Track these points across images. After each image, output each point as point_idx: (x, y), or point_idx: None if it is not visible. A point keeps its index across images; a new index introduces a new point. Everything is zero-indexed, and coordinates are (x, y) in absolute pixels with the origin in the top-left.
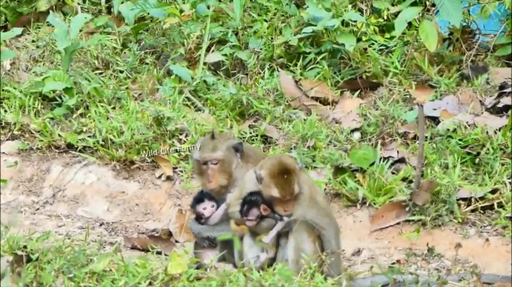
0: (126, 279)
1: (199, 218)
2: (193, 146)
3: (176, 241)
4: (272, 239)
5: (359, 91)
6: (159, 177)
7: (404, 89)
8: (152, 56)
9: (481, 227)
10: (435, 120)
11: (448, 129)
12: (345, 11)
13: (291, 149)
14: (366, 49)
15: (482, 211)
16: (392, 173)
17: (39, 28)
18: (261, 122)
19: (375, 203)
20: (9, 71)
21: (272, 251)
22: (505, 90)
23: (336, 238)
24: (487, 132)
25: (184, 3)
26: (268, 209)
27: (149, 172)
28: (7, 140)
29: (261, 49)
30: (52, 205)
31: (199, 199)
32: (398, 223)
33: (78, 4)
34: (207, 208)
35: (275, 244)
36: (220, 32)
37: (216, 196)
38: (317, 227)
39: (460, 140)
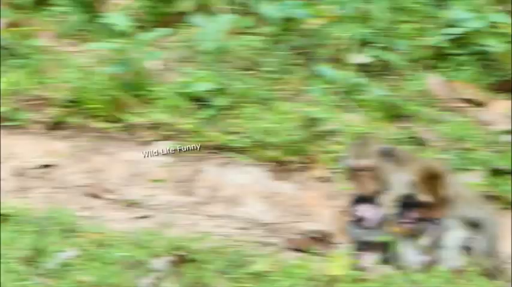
0: (286, 280)
1: (357, 221)
2: (347, 148)
3: (335, 243)
4: (430, 242)
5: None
6: (314, 178)
7: None
8: (302, 56)
9: None
10: None
11: None
12: (490, 12)
13: (443, 151)
14: None
15: None
16: None
17: (186, 28)
18: (413, 124)
19: None
20: (158, 71)
21: (431, 253)
22: None
23: (494, 235)
24: None
25: (331, 4)
26: (424, 212)
27: (304, 173)
28: (159, 140)
29: (408, 50)
30: (209, 206)
31: (356, 201)
32: None
33: (225, 5)
34: (364, 210)
35: (433, 246)
36: (369, 33)
37: (373, 198)
38: (473, 224)
39: None
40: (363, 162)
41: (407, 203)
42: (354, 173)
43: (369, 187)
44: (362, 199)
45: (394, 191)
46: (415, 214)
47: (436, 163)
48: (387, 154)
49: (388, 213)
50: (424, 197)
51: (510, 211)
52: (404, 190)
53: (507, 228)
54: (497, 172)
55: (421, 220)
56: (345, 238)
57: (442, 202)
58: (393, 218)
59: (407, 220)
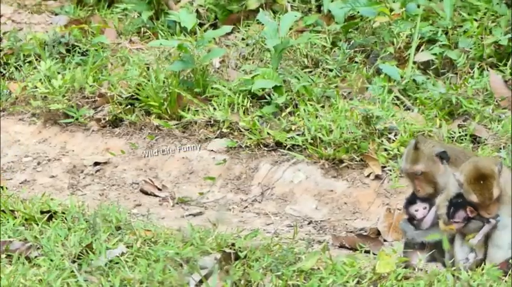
0: (334, 278)
1: (411, 220)
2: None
3: (384, 240)
4: (480, 241)
5: None
6: (368, 176)
7: None
8: (361, 54)
9: None
10: None
11: None
12: None
13: (500, 149)
14: None
15: None
16: None
17: (248, 26)
18: (470, 121)
19: None
20: (218, 68)
21: (481, 252)
22: None
23: None
24: None
25: (394, 2)
26: (475, 211)
27: (358, 171)
28: (216, 137)
29: (470, 48)
30: (260, 203)
31: (411, 200)
32: None
33: (288, 2)
34: (419, 209)
35: (483, 245)
36: (430, 31)
37: (427, 198)
38: None
39: None
40: (418, 167)
41: (458, 203)
42: (409, 176)
43: (423, 189)
44: (418, 198)
45: (447, 189)
46: (465, 214)
47: (487, 162)
48: (440, 157)
49: (441, 213)
50: (473, 197)
51: None
52: (456, 189)
53: None
54: None
55: (471, 218)
56: (396, 235)
57: (492, 201)
58: (445, 218)
59: (457, 219)
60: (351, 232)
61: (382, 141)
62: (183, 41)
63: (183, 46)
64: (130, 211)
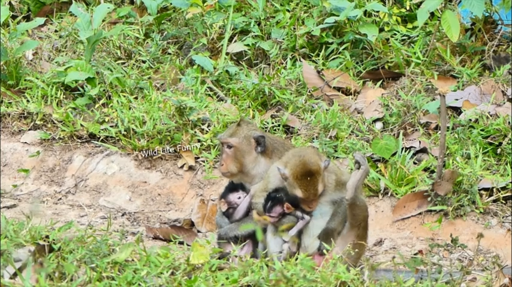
0: (148, 269)
1: (227, 210)
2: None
3: (198, 231)
4: (294, 236)
5: (381, 81)
6: (181, 167)
7: (426, 80)
8: (174, 46)
9: (503, 217)
10: (457, 110)
11: (470, 120)
12: (367, 1)
13: (313, 139)
14: (388, 39)
15: (504, 201)
16: (414, 163)
17: (61, 18)
18: (283, 112)
19: (396, 194)
20: (31, 60)
21: (294, 245)
22: None
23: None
24: (509, 122)
25: None
26: (292, 207)
27: (171, 162)
28: (29, 130)
29: (283, 39)
30: (74, 195)
31: (231, 188)
32: (420, 213)
33: None
34: (234, 199)
35: (297, 239)
36: (243, 22)
37: (243, 187)
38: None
39: (481, 130)
40: (231, 139)
41: (276, 198)
42: (222, 146)
43: (227, 165)
44: (232, 189)
45: (265, 180)
46: (281, 209)
47: (314, 157)
48: (256, 141)
49: (256, 201)
50: (298, 192)
51: (377, 198)
52: (277, 182)
53: (379, 215)
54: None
55: (286, 214)
56: (209, 226)
57: (314, 197)
58: (260, 208)
59: (273, 214)
60: (165, 223)
61: (195, 132)
62: None
63: None
64: None
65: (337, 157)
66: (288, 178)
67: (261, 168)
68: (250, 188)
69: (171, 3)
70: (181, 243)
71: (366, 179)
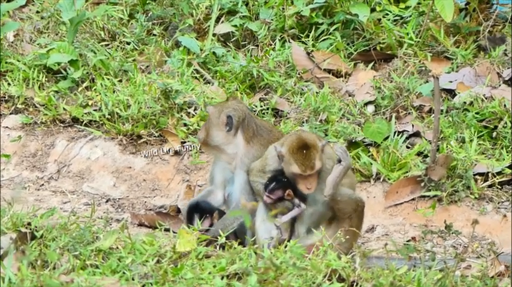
0: (133, 257)
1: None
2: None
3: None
4: (287, 222)
5: (373, 63)
6: (167, 152)
7: (419, 61)
8: (160, 27)
9: (498, 203)
10: (451, 93)
11: (465, 103)
12: None
13: (303, 122)
14: (380, 20)
15: (499, 187)
16: (407, 147)
17: None
18: (272, 95)
19: (389, 179)
20: (12, 42)
21: (286, 232)
22: None
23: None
24: (505, 105)
25: None
26: (292, 195)
27: (157, 147)
28: (10, 113)
29: (272, 20)
30: (57, 181)
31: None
32: (413, 199)
33: None
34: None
35: (289, 226)
36: (230, 2)
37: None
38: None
39: (476, 113)
40: (210, 108)
41: (281, 181)
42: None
43: (199, 132)
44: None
45: (262, 160)
46: (282, 194)
47: (308, 134)
48: (227, 118)
49: (254, 179)
50: (294, 167)
51: (369, 183)
52: (274, 164)
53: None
54: (357, 144)
55: (283, 199)
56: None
57: (311, 174)
58: (259, 187)
59: (273, 197)
60: (150, 209)
61: (181, 116)
62: None
63: None
64: None
65: (328, 141)
66: (284, 156)
67: (239, 150)
68: (232, 169)
69: None
70: (167, 230)
71: (353, 167)
